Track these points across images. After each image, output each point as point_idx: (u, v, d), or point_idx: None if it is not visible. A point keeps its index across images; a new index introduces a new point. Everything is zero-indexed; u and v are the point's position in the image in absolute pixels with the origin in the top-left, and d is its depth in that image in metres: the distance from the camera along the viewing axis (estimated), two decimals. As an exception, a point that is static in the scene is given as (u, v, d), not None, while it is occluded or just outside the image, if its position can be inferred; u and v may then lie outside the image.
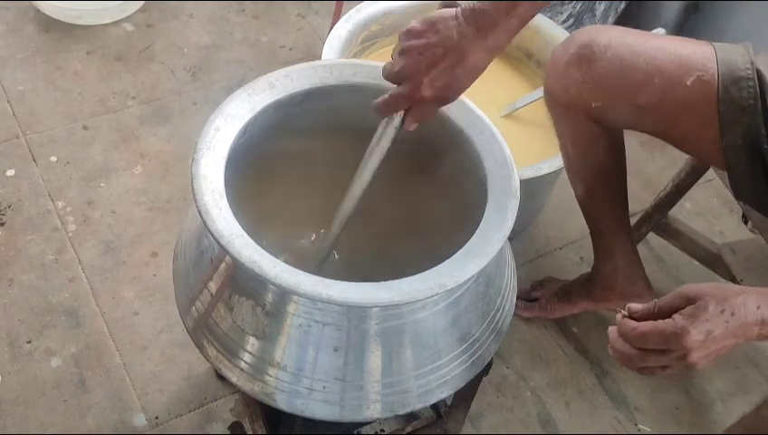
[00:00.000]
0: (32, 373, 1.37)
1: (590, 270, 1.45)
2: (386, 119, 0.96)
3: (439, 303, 0.89)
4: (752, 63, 1.07)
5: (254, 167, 1.04)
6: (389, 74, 0.94)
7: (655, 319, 0.81)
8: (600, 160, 1.28)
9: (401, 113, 0.95)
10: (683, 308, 0.80)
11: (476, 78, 0.93)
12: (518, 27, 0.91)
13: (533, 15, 0.92)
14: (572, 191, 1.35)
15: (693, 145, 1.17)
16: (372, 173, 0.99)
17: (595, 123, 1.21)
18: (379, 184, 1.12)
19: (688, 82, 1.08)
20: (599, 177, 1.31)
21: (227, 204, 0.85)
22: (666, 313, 0.81)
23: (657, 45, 1.12)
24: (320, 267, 1.07)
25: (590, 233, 1.39)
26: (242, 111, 0.94)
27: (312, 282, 0.80)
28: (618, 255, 1.38)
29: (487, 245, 0.85)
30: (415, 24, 0.92)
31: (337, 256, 1.21)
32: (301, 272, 0.81)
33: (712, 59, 1.08)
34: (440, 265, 0.84)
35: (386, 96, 0.94)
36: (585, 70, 1.15)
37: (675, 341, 0.78)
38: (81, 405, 1.34)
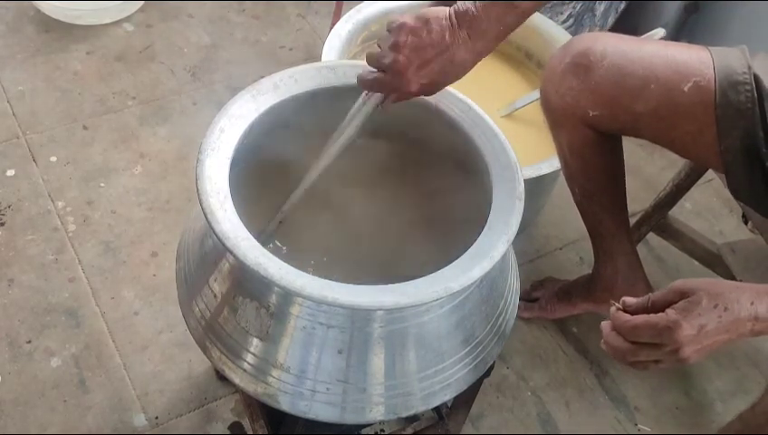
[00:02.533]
0: (32, 373, 1.36)
1: (590, 271, 1.46)
2: (364, 95, 0.98)
3: (444, 306, 0.89)
4: (749, 67, 1.06)
5: (259, 168, 1.03)
6: (378, 64, 0.95)
7: (648, 313, 0.81)
8: (597, 166, 1.28)
9: (380, 95, 0.97)
10: (677, 303, 0.80)
11: (462, 77, 0.96)
12: (505, 34, 0.95)
13: (521, 23, 0.96)
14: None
15: (691, 150, 1.17)
16: (342, 147, 1.01)
17: (592, 130, 1.21)
18: (382, 186, 1.12)
19: (685, 88, 1.08)
20: (597, 182, 1.30)
21: (232, 205, 0.85)
22: (659, 307, 0.81)
23: (654, 52, 1.12)
24: (262, 239, 1.04)
25: (590, 236, 1.39)
26: (246, 111, 0.94)
27: (318, 285, 0.80)
28: (618, 257, 1.38)
29: (492, 248, 0.85)
30: (408, 19, 0.93)
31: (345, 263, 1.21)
32: (306, 275, 0.81)
33: (709, 64, 1.08)
34: (445, 268, 0.84)
35: (372, 76, 0.95)
36: (582, 78, 1.15)
37: (667, 334, 0.79)
38: (81, 405, 1.34)
